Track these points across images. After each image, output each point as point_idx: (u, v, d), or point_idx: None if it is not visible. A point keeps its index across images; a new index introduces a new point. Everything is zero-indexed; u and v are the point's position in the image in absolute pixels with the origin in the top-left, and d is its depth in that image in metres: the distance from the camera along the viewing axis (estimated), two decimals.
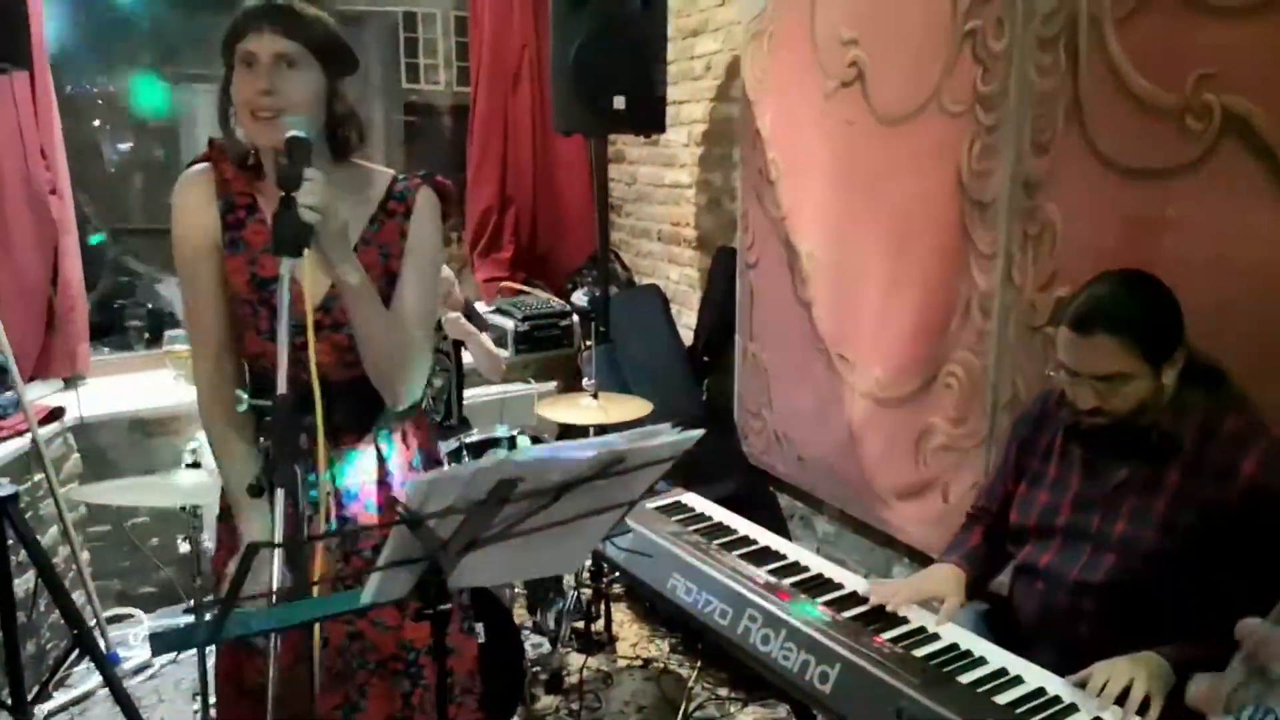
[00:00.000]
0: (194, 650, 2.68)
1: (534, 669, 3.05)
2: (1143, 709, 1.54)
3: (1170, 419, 1.73)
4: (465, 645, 1.86)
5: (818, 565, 2.13)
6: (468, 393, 3.60)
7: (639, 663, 3.27)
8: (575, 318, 4.40)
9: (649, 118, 3.57)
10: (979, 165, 2.52)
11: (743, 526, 2.34)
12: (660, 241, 4.51)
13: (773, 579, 2.02)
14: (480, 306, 4.09)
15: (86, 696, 3.05)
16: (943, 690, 1.60)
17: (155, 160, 4.81)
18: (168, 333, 3.93)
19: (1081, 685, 1.61)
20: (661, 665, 3.24)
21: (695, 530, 2.29)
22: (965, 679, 1.66)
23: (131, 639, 3.39)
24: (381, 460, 1.74)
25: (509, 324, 4.30)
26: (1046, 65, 2.31)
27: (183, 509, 2.73)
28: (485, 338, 3.39)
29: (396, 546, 1.24)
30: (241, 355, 1.72)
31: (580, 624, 3.28)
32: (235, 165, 1.67)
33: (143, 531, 3.59)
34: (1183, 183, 2.02)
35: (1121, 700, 1.56)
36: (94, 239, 4.19)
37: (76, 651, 2.57)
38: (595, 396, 3.08)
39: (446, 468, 2.03)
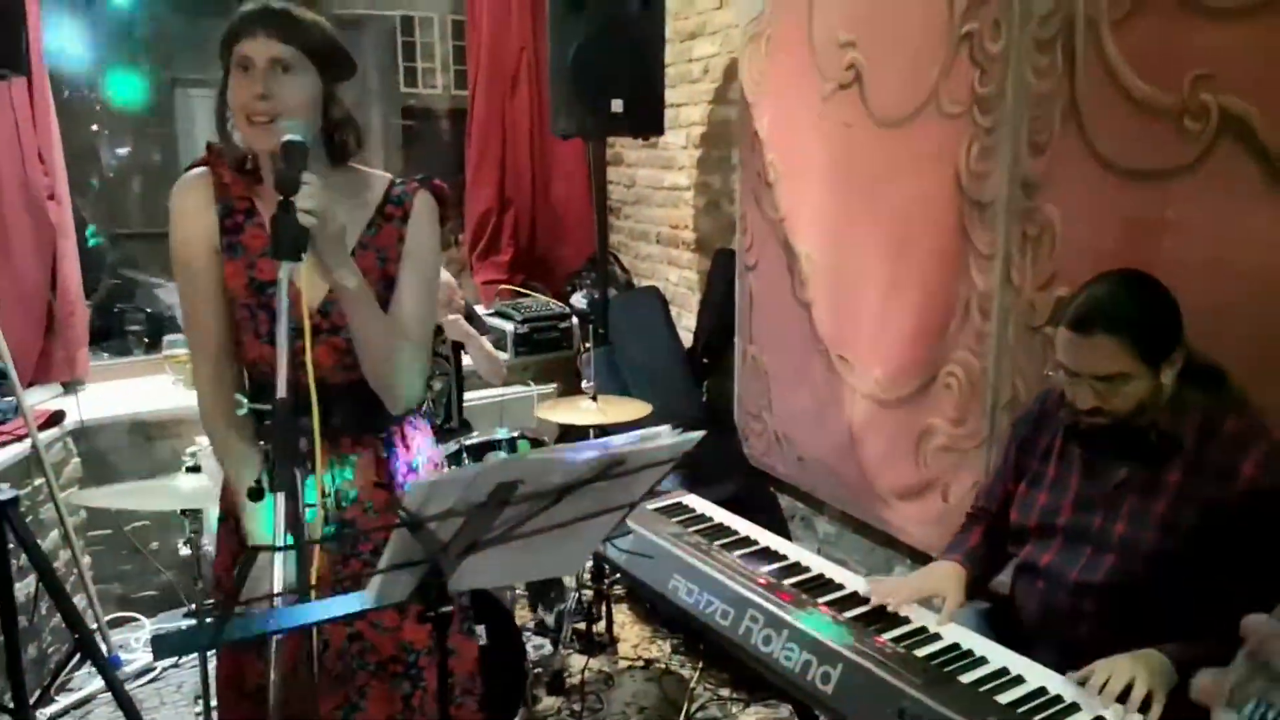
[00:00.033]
0: (195, 653, 2.70)
1: (535, 670, 3.06)
2: (1144, 707, 1.54)
3: (1170, 419, 1.73)
4: (465, 647, 1.86)
5: (819, 566, 2.13)
6: (468, 395, 3.61)
7: (640, 664, 3.27)
8: (574, 320, 4.40)
9: (647, 120, 3.58)
10: (977, 166, 2.52)
11: (743, 527, 2.34)
12: (659, 244, 4.51)
13: (774, 580, 2.02)
14: (479, 309, 4.09)
15: (88, 700, 3.05)
16: (944, 690, 1.60)
17: (153, 164, 4.82)
18: (167, 337, 3.93)
19: (1082, 683, 1.62)
20: (663, 666, 3.24)
21: (696, 531, 2.29)
22: (967, 679, 1.66)
23: (133, 642, 3.40)
24: (381, 463, 1.74)
25: (508, 326, 4.30)
26: (1044, 67, 2.31)
27: (183, 513, 2.73)
28: (485, 340, 3.39)
29: (397, 549, 1.24)
30: (240, 359, 1.72)
31: (582, 625, 3.28)
32: (233, 169, 1.67)
33: (143, 535, 3.60)
34: (1180, 183, 2.02)
35: (1123, 699, 1.56)
36: (90, 240, 4.19)
37: (78, 655, 2.57)
38: (595, 399, 3.08)
39: (446, 470, 2.03)
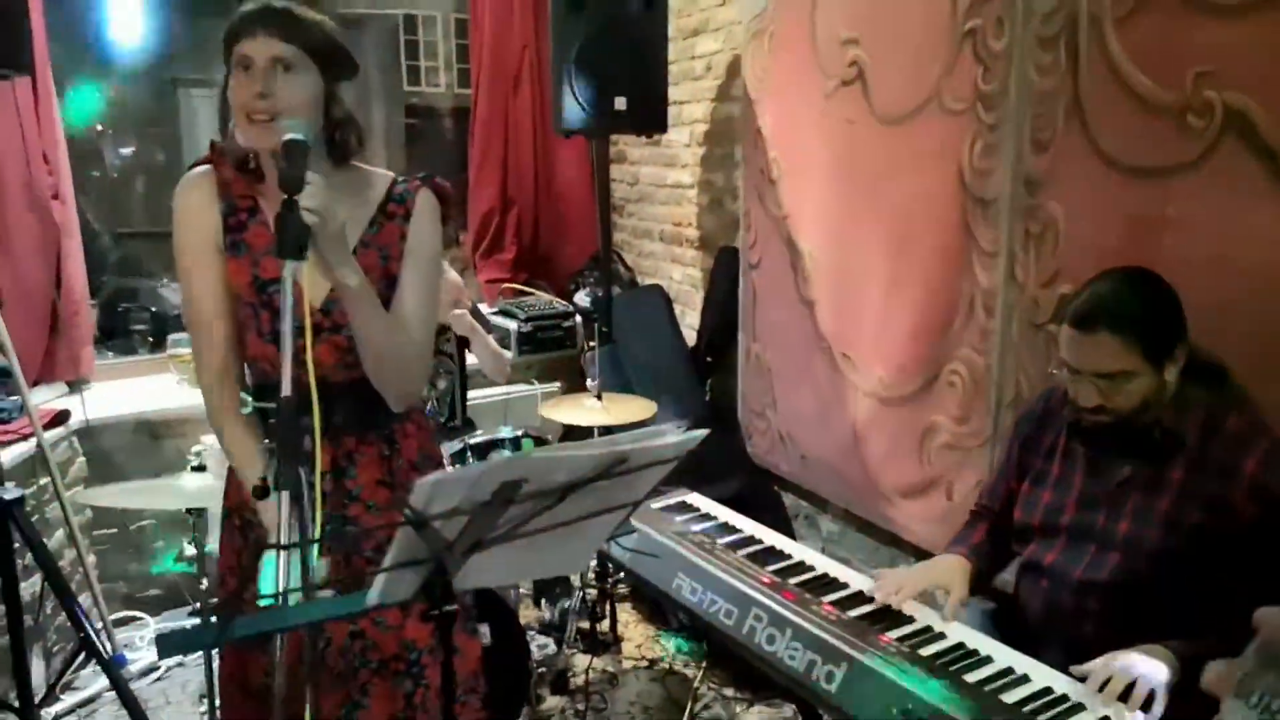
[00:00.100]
0: (200, 652, 2.71)
1: (540, 669, 3.06)
2: (1147, 704, 1.54)
3: (1173, 416, 1.73)
4: (468, 645, 1.86)
5: (823, 564, 2.13)
6: (472, 394, 3.61)
7: (644, 663, 3.27)
8: (578, 318, 4.40)
9: (650, 118, 3.58)
10: (980, 164, 2.52)
11: (748, 526, 2.34)
12: (662, 242, 4.51)
13: (778, 578, 2.02)
14: (483, 308, 4.09)
15: (93, 699, 3.05)
16: (950, 689, 1.60)
17: (156, 164, 4.83)
18: (171, 336, 3.93)
19: (1085, 679, 1.61)
20: (667, 665, 3.24)
21: (700, 530, 2.29)
22: (972, 678, 1.66)
23: (138, 641, 3.40)
24: (383, 461, 1.75)
25: (512, 325, 4.30)
26: (1047, 64, 2.31)
27: (188, 512, 2.73)
28: (490, 338, 3.40)
29: (402, 547, 1.24)
30: (242, 357, 1.72)
31: (586, 624, 3.28)
32: (236, 168, 1.67)
33: (148, 534, 3.60)
34: (1184, 180, 2.02)
35: (1125, 697, 1.56)
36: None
37: (83, 654, 2.57)
38: (599, 397, 3.08)
39: (450, 469, 2.03)
